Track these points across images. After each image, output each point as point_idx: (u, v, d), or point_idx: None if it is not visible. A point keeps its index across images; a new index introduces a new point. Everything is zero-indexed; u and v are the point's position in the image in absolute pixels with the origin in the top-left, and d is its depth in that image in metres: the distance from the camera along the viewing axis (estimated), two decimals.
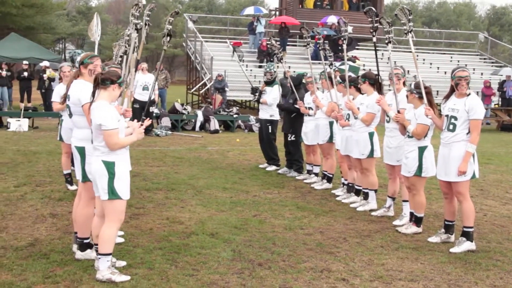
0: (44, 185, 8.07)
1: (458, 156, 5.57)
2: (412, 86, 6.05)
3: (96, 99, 4.54)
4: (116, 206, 4.57)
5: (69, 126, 7.26)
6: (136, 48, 5.29)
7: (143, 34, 5.19)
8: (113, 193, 4.50)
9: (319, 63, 21.86)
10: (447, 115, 5.71)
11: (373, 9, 7.00)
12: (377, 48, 7.34)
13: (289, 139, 9.73)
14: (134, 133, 4.67)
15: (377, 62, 7.27)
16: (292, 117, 9.55)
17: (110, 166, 4.51)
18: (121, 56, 5.79)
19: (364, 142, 7.17)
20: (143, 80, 14.49)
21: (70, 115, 5.11)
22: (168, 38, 5.20)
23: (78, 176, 5.06)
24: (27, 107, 17.79)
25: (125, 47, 5.83)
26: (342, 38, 7.25)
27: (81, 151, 4.95)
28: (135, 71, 6.45)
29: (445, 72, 24.79)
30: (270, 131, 10.26)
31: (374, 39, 7.06)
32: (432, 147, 6.15)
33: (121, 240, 5.56)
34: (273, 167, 10.22)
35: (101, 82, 4.52)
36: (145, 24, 5.21)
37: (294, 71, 10.03)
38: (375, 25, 6.85)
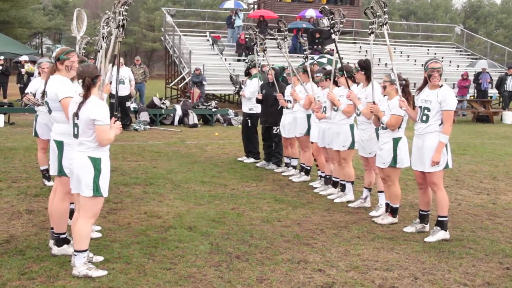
0: (20, 181, 7.98)
1: (431, 146, 5.67)
2: (392, 77, 6.11)
3: (88, 96, 4.49)
4: (97, 203, 4.60)
5: (44, 122, 7.25)
6: (106, 43, 5.29)
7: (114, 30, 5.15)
8: (97, 190, 4.52)
9: (297, 56, 21.97)
10: (420, 107, 5.80)
11: (327, 8, 7.20)
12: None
13: (274, 132, 9.60)
14: (112, 129, 4.67)
15: (339, 56, 7.38)
16: (278, 110, 9.31)
17: (96, 162, 4.52)
18: (98, 51, 5.77)
19: (345, 135, 7.22)
20: (119, 73, 14.30)
21: (50, 111, 5.08)
22: (121, 29, 5.13)
23: (53, 170, 5.04)
24: (2, 102, 17.50)
25: (102, 42, 5.82)
26: (335, 30, 7.20)
27: (59, 145, 4.95)
28: (112, 65, 6.43)
29: (422, 65, 24.99)
30: (249, 124, 10.24)
31: (333, 36, 7.21)
32: (406, 138, 6.25)
33: (98, 235, 5.54)
34: (251, 159, 10.21)
35: (92, 83, 4.51)
36: (123, 19, 5.17)
37: (273, 65, 10.02)
38: (331, 22, 7.07)
